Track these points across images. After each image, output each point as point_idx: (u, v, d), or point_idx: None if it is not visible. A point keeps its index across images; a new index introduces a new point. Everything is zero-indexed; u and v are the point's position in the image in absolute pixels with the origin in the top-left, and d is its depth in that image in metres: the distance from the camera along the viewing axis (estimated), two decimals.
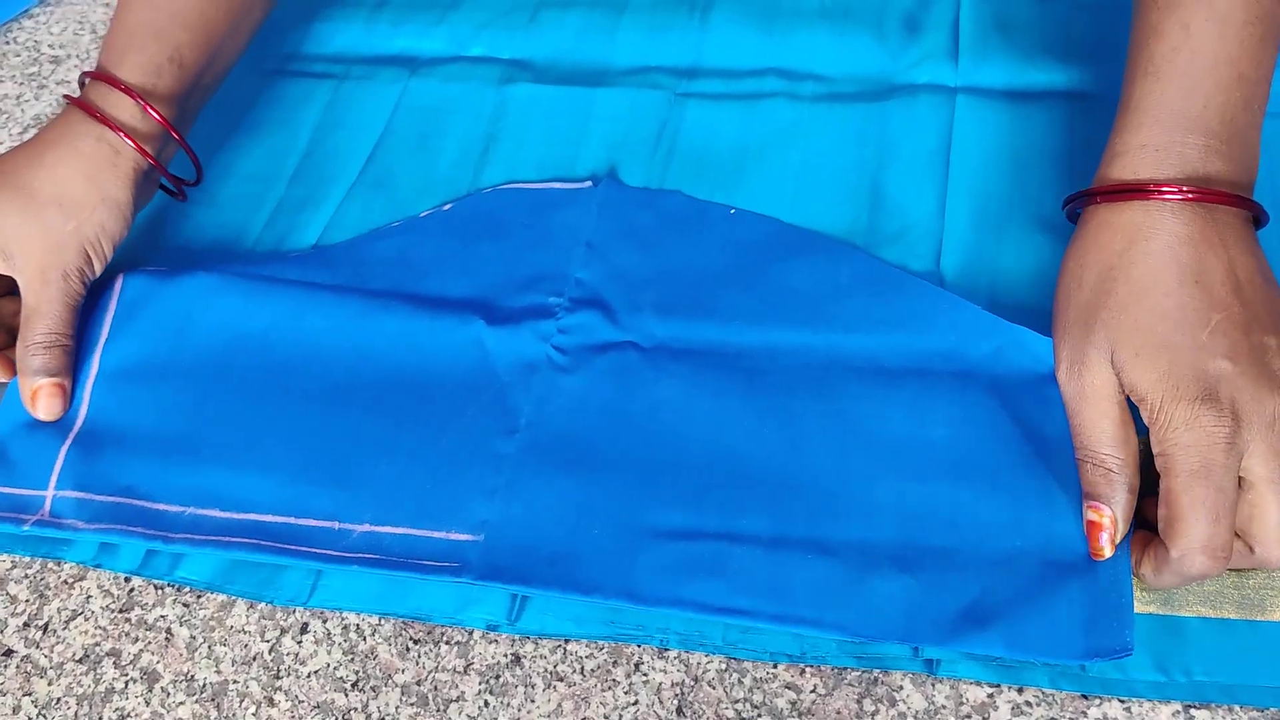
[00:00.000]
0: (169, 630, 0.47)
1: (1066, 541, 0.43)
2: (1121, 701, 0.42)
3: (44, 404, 0.51)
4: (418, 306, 0.53)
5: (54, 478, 0.50)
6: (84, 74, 0.55)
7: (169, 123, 0.54)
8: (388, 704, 0.44)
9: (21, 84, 0.71)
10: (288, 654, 0.46)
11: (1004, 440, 0.46)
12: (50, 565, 0.49)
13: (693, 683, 0.44)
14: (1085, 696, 0.42)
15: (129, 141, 0.53)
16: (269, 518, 0.48)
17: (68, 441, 0.51)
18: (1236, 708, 0.41)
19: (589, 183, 0.58)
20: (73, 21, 0.75)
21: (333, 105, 0.65)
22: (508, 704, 0.44)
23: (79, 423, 0.51)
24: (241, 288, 0.54)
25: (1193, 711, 0.41)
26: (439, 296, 0.54)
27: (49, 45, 0.73)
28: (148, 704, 0.45)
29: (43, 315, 0.51)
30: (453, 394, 0.50)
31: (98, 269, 0.53)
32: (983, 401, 0.47)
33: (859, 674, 0.43)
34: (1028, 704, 0.42)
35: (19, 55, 0.72)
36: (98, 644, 0.47)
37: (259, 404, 0.51)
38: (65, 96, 0.54)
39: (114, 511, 0.48)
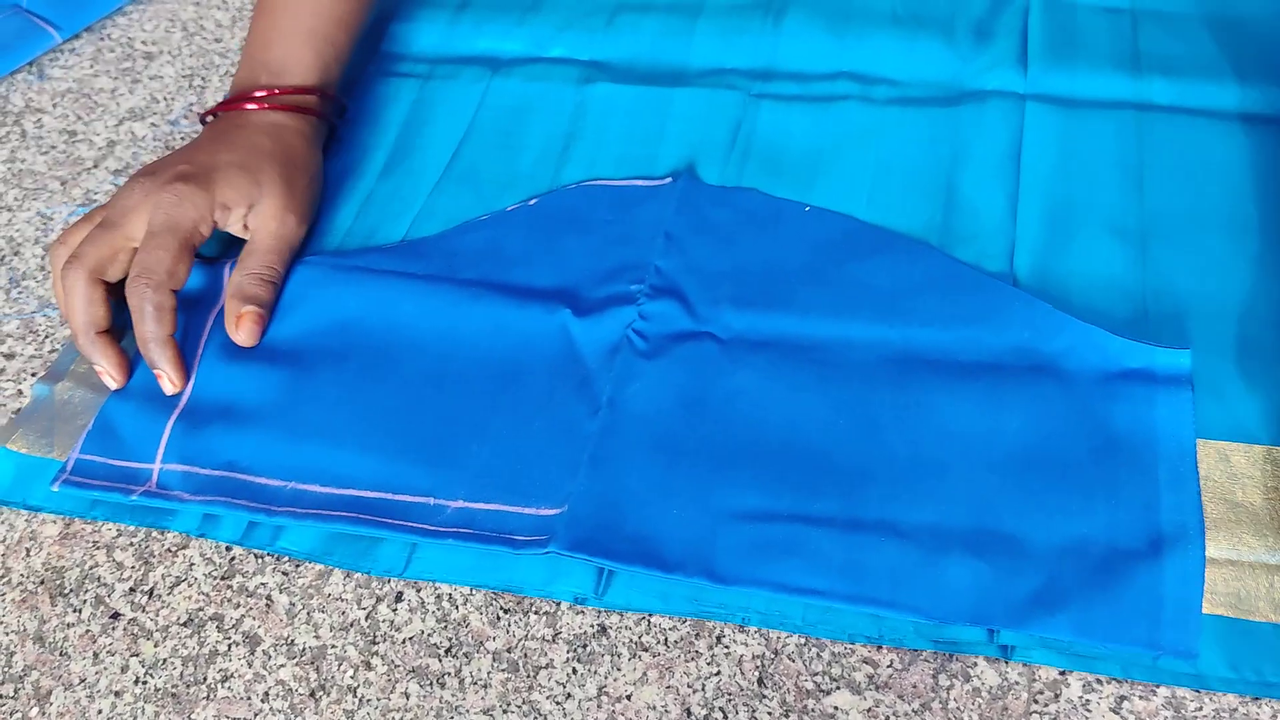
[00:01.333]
0: (269, 597, 0.49)
1: (1132, 532, 0.45)
2: None
3: (247, 329, 0.55)
4: (507, 296, 0.55)
5: (160, 451, 0.52)
6: (270, 90, 0.62)
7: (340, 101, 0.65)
8: (479, 669, 0.46)
9: (116, 78, 0.73)
10: (383, 621, 0.48)
11: (1073, 433, 0.48)
12: (154, 534, 0.52)
13: (773, 655, 0.46)
14: None
15: (323, 121, 0.64)
16: (368, 493, 0.50)
17: (174, 417, 0.53)
18: None
19: (669, 179, 0.60)
20: (164, 19, 0.78)
21: (419, 103, 0.67)
22: (595, 671, 0.46)
23: (185, 399, 0.54)
24: (339, 277, 0.57)
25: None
26: (527, 286, 0.56)
27: (141, 41, 0.76)
28: (250, 665, 0.47)
29: (269, 251, 0.57)
30: (541, 379, 0.53)
31: (312, 218, 0.61)
32: (1054, 395, 0.49)
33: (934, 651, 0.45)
34: (1098, 681, 0.44)
35: (113, 51, 0.75)
36: (201, 609, 0.49)
37: (357, 386, 0.54)
38: (281, 106, 0.61)
39: (218, 484, 0.51)
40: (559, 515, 0.48)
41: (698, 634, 0.46)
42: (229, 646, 0.48)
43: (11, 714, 0.46)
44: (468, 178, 0.63)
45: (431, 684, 0.46)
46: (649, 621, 0.47)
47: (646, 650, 0.46)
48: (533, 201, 0.61)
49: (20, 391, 0.57)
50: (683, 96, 0.65)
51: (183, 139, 0.68)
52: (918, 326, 0.52)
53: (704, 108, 0.64)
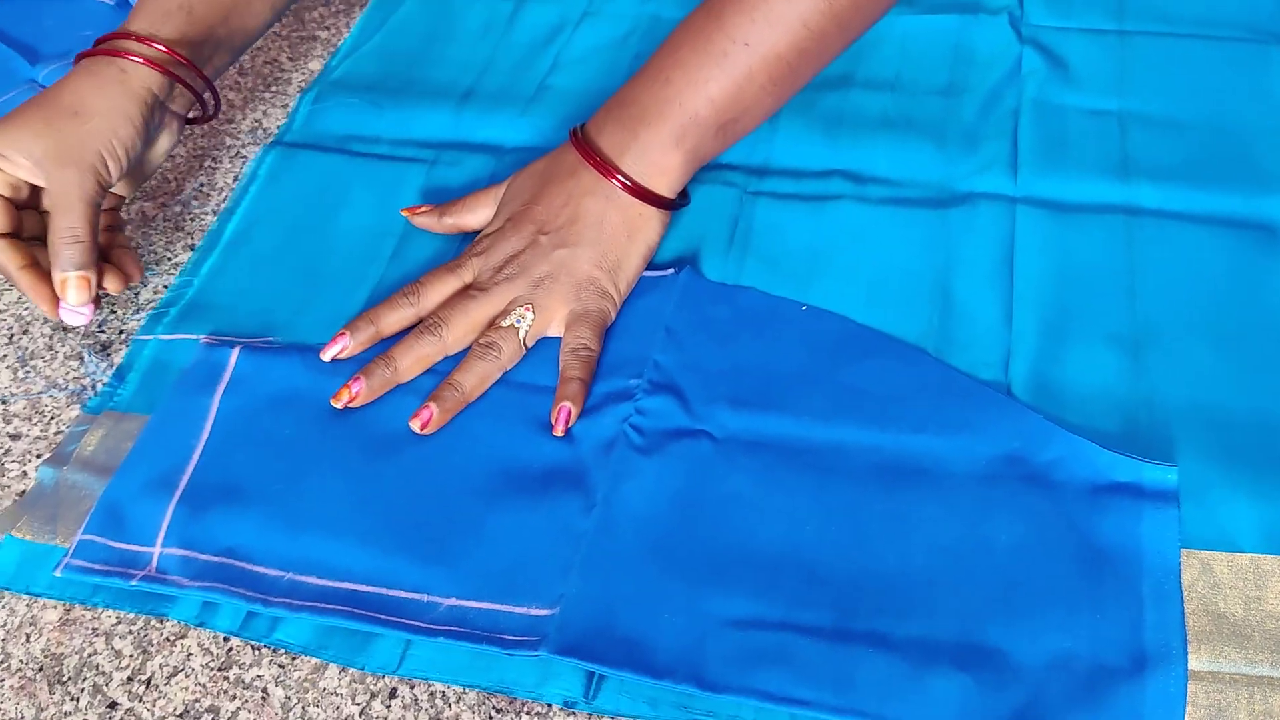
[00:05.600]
0: (265, 690, 0.50)
1: (1116, 649, 0.46)
2: None
3: (73, 292, 0.59)
4: (509, 390, 0.57)
5: (161, 535, 0.53)
6: (98, 38, 0.64)
7: (177, 54, 0.64)
8: None
9: None
10: (377, 716, 0.49)
11: (1060, 546, 0.49)
12: (153, 622, 0.52)
13: None
14: None
15: (137, 60, 0.62)
16: (363, 587, 0.51)
17: (175, 499, 0.54)
18: None
19: (672, 270, 0.61)
20: None
21: (427, 189, 0.68)
22: None
23: (185, 481, 0.55)
24: (346, 365, 0.58)
25: None
26: (529, 382, 0.57)
27: None
28: None
29: (65, 210, 0.59)
30: (538, 476, 0.54)
31: (112, 173, 0.61)
32: (1041, 508, 0.50)
33: None
34: None
35: None
36: (197, 700, 0.50)
37: (358, 477, 0.54)
38: (78, 56, 0.63)
39: (217, 571, 0.52)
40: (551, 616, 0.49)
41: None
42: None
43: None
44: None
45: None
46: None
47: None
48: None
49: (25, 473, 0.58)
50: None
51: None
52: (910, 433, 0.53)
53: (702, 203, 0.65)
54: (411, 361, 0.58)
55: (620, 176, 0.60)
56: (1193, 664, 0.46)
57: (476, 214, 0.64)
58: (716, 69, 0.59)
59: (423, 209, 0.65)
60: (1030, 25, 0.72)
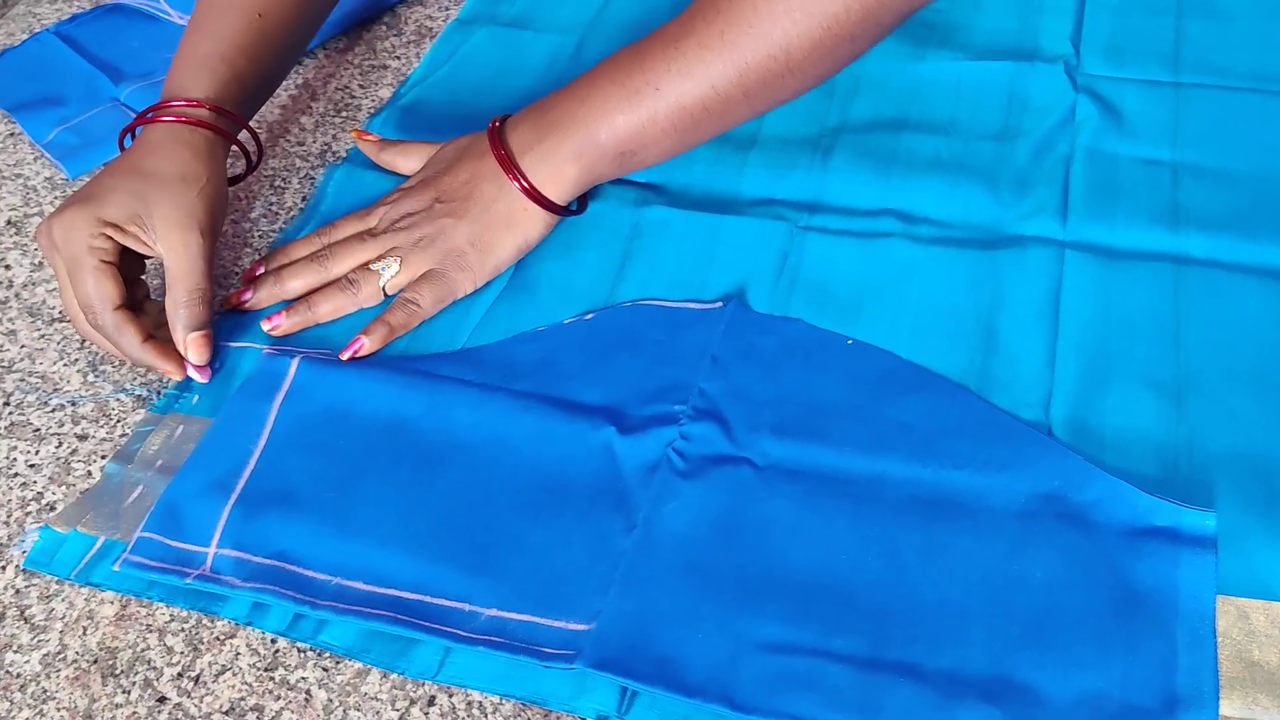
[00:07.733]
0: (308, 692, 0.51)
1: (1148, 690, 0.46)
2: None
3: (196, 352, 0.62)
4: (556, 410, 0.58)
5: (216, 535, 0.55)
6: (171, 101, 0.66)
7: (246, 124, 0.69)
8: None
9: None
10: None
11: (1096, 586, 0.49)
12: (204, 621, 0.54)
13: None
14: None
15: (216, 130, 0.66)
16: (407, 594, 0.52)
17: (231, 501, 0.56)
18: None
19: (719, 304, 0.63)
20: None
21: None
22: None
23: (241, 485, 0.56)
24: (400, 379, 0.60)
25: None
26: (576, 402, 0.59)
27: None
28: None
29: (188, 273, 0.62)
30: (581, 495, 0.55)
31: (218, 233, 0.65)
32: (1078, 547, 0.50)
33: None
34: None
35: None
36: (243, 698, 0.51)
37: (406, 487, 0.56)
38: (154, 118, 0.66)
39: (268, 573, 0.53)
40: (588, 631, 0.50)
41: None
42: None
43: None
44: (529, 288, 0.66)
45: None
46: None
47: None
48: (589, 316, 0.63)
49: (90, 473, 0.60)
50: (733, 224, 0.67)
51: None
52: (950, 469, 0.54)
53: (753, 236, 0.67)
54: (300, 284, 0.66)
55: (517, 173, 0.65)
56: (1225, 710, 0.46)
57: (409, 161, 0.71)
58: (626, 103, 0.63)
59: (370, 136, 0.73)
60: (1085, 74, 0.73)
